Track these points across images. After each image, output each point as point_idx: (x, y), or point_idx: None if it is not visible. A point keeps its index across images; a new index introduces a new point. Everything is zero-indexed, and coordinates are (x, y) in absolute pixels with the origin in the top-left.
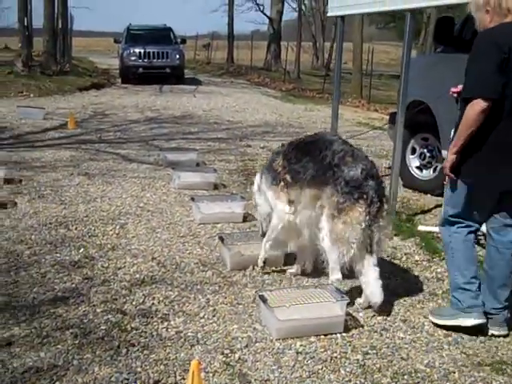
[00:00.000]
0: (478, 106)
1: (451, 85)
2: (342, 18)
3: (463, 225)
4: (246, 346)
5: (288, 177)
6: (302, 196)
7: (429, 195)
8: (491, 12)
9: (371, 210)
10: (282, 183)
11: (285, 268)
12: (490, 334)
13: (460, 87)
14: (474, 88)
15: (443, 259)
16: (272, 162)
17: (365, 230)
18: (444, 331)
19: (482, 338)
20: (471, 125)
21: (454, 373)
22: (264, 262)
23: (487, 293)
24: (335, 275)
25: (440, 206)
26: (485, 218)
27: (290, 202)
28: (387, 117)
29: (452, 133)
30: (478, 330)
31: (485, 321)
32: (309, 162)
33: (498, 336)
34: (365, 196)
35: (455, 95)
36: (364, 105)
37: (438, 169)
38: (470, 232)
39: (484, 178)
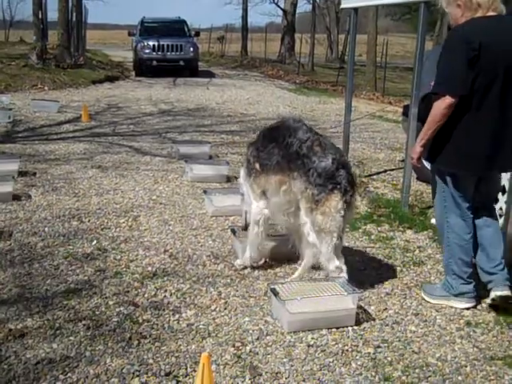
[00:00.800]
0: (445, 101)
1: None
2: (356, 9)
3: (460, 215)
4: (258, 339)
5: (257, 165)
6: (269, 183)
7: None
8: (462, 6)
9: (346, 198)
10: (254, 174)
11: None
12: (494, 296)
13: None
14: (443, 84)
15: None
16: (247, 152)
17: (344, 217)
18: (456, 325)
19: (494, 332)
20: (439, 119)
21: (466, 367)
22: (253, 261)
23: (481, 254)
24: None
25: None
26: (470, 204)
27: (263, 195)
28: (401, 109)
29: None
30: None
31: (475, 303)
32: (274, 148)
33: (502, 296)
34: (338, 186)
35: None
36: (378, 97)
37: None
38: (467, 224)
39: (465, 165)
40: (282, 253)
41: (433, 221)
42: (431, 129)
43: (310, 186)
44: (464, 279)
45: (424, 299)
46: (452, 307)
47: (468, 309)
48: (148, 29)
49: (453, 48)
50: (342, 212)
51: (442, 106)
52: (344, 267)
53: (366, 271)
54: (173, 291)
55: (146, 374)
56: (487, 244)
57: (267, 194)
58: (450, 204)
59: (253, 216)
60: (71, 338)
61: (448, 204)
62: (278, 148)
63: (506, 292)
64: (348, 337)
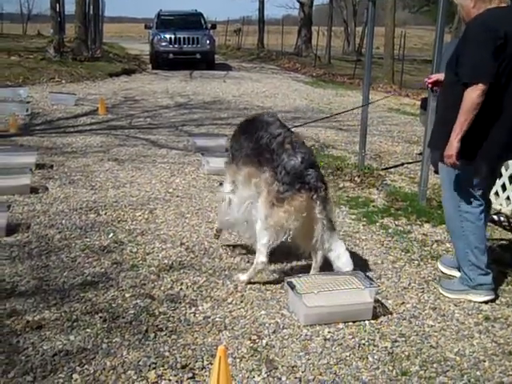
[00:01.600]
0: (478, 89)
1: None
2: (373, 1)
3: (475, 204)
4: (274, 332)
5: (231, 155)
6: (239, 174)
7: None
8: None
9: (319, 194)
10: (228, 163)
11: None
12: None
13: (434, 77)
14: (474, 73)
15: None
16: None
17: (307, 217)
18: (475, 320)
19: None
20: (474, 108)
21: (485, 362)
22: (217, 231)
23: None
24: (261, 258)
25: None
26: (486, 192)
27: (233, 182)
28: (419, 102)
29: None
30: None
31: (493, 296)
32: (245, 140)
33: None
34: (306, 186)
35: (429, 86)
36: (396, 90)
37: None
38: (481, 211)
39: (490, 155)
40: None
41: None
42: (467, 120)
43: (276, 182)
44: (482, 269)
45: (442, 294)
46: (471, 301)
47: (487, 302)
48: (164, 22)
49: (478, 37)
50: (305, 213)
51: (474, 94)
52: (318, 263)
53: (383, 265)
54: (189, 284)
55: (163, 366)
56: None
57: (238, 184)
58: (465, 194)
59: (221, 195)
60: (88, 330)
61: (463, 194)
62: (249, 140)
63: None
64: (365, 331)
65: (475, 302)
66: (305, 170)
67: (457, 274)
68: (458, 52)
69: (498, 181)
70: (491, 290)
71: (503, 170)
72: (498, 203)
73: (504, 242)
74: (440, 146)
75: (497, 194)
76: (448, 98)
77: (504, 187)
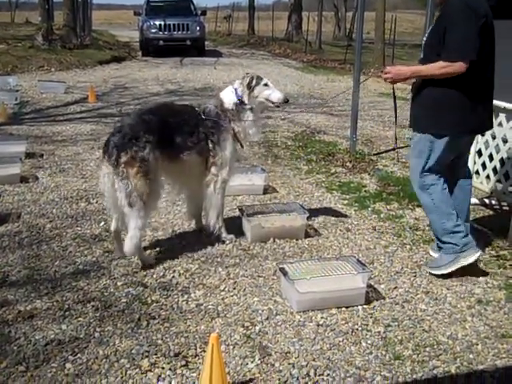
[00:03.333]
0: (458, 67)
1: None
2: None
3: (439, 175)
4: (267, 319)
5: None
6: None
7: None
8: None
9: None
10: None
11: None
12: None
13: (391, 70)
14: (461, 51)
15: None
16: None
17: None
18: (467, 303)
19: (505, 310)
20: (438, 77)
21: (477, 345)
22: None
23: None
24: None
25: None
26: (450, 165)
27: None
28: (410, 87)
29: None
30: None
31: (481, 251)
32: None
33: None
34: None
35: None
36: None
37: None
38: (444, 181)
39: (459, 127)
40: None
41: None
42: (424, 77)
43: None
44: (460, 231)
45: (436, 275)
46: (463, 266)
47: (477, 260)
48: (154, 8)
49: (462, 16)
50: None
51: (456, 69)
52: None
53: (375, 250)
54: (181, 271)
55: (155, 354)
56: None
57: None
58: (434, 167)
59: None
60: (80, 319)
61: (431, 167)
62: None
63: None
64: (358, 316)
65: (469, 263)
66: (110, 135)
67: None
68: (440, 32)
69: (489, 164)
70: (476, 246)
71: (494, 153)
72: (490, 186)
73: (495, 226)
74: (431, 129)
75: (488, 177)
76: (431, 81)
77: (495, 170)
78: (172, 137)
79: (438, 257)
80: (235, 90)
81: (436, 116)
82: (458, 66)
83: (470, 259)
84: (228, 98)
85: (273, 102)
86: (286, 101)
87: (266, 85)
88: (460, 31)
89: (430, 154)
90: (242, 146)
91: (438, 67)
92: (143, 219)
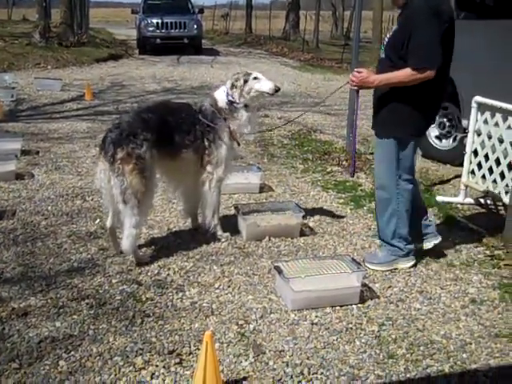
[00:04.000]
0: (427, 75)
1: (474, 52)
2: None
3: (407, 178)
4: (261, 317)
5: None
6: None
7: (448, 165)
8: None
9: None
10: None
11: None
12: (430, 246)
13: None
14: (427, 59)
15: (462, 230)
16: None
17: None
18: (461, 303)
19: (499, 310)
20: (405, 84)
21: (471, 344)
22: None
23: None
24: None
25: (459, 176)
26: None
27: None
28: None
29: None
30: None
31: (415, 261)
32: None
33: (438, 245)
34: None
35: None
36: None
37: (458, 139)
38: (411, 184)
39: (422, 131)
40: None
41: (438, 198)
42: (391, 85)
43: None
44: (408, 240)
45: (373, 269)
46: (396, 269)
47: (412, 266)
48: (151, 6)
49: (428, 21)
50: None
51: (421, 76)
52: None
53: (371, 249)
54: (176, 269)
55: (150, 352)
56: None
57: None
58: (404, 171)
59: None
60: (74, 316)
61: (401, 172)
62: None
63: (439, 240)
64: (352, 315)
65: (403, 268)
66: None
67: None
68: (403, 35)
69: (485, 164)
70: (414, 254)
71: (490, 153)
72: (485, 186)
73: (490, 225)
74: (397, 132)
75: (483, 176)
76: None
77: (491, 170)
78: (170, 135)
79: (377, 253)
80: (227, 89)
81: (401, 119)
82: (427, 74)
83: (408, 264)
84: (221, 97)
85: (265, 94)
86: (276, 89)
87: (255, 78)
88: (426, 37)
89: (400, 158)
90: (238, 144)
91: (406, 75)
92: (138, 217)
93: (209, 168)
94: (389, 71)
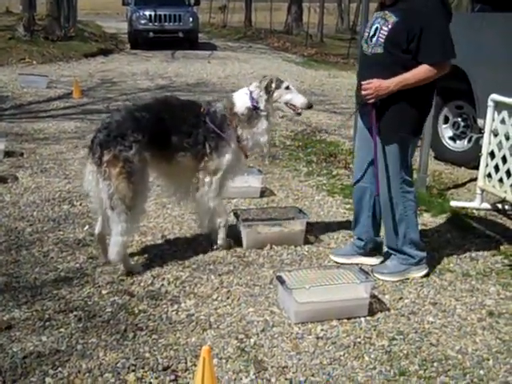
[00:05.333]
0: (445, 69)
1: (490, 48)
2: None
3: (409, 180)
4: (263, 331)
5: None
6: None
7: (462, 168)
8: None
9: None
10: None
11: None
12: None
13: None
14: (444, 53)
15: (478, 237)
16: None
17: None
18: (478, 315)
19: None
20: (427, 79)
21: (488, 360)
22: None
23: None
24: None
25: (475, 179)
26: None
27: None
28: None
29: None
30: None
31: (428, 269)
32: None
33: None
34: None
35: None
36: None
37: (474, 139)
38: (413, 186)
39: (421, 130)
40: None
41: (453, 203)
42: (411, 86)
43: None
44: (420, 244)
45: (383, 280)
46: (408, 278)
47: (425, 276)
48: None
49: (440, 13)
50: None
51: (439, 72)
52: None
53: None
54: (171, 279)
55: (143, 368)
56: None
57: None
58: (406, 174)
59: None
60: (62, 330)
61: (404, 175)
62: None
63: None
64: (360, 328)
65: (415, 277)
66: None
67: (356, 260)
68: (409, 27)
69: (502, 166)
70: (426, 263)
71: (508, 154)
72: (503, 190)
73: (508, 232)
74: (406, 131)
75: (501, 180)
76: None
77: (509, 173)
78: (166, 136)
79: (388, 263)
80: (250, 92)
81: (402, 118)
82: (445, 68)
83: (421, 273)
84: (241, 101)
85: (294, 108)
86: (309, 106)
87: (287, 88)
88: (442, 30)
89: (402, 159)
90: (246, 157)
91: (425, 72)
92: (126, 224)
93: (201, 175)
94: (391, 67)
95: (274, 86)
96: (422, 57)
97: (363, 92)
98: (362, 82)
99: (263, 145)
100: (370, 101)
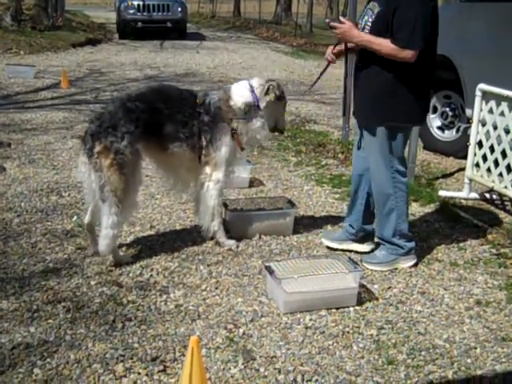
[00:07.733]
0: (406, 55)
1: (477, 37)
2: None
3: (401, 171)
4: (251, 321)
5: None
6: None
7: (451, 158)
8: None
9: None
10: None
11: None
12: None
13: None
14: (409, 39)
15: (466, 227)
16: None
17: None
18: (465, 304)
19: (506, 312)
20: (387, 56)
21: (476, 348)
22: None
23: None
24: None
25: (463, 169)
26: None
27: None
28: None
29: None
30: None
31: (416, 260)
32: None
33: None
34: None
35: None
36: None
37: (462, 129)
38: (406, 176)
39: (415, 119)
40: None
41: (441, 193)
42: (370, 49)
43: None
44: (409, 235)
45: (372, 269)
46: (396, 269)
47: (413, 266)
48: None
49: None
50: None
51: (399, 55)
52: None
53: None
54: (160, 270)
55: (131, 358)
56: None
57: None
58: (398, 164)
59: None
60: (50, 320)
61: (395, 164)
62: None
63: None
64: (349, 318)
65: (403, 267)
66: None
67: (347, 246)
68: (388, 14)
69: (490, 156)
70: (415, 253)
71: (495, 144)
72: (491, 180)
73: (496, 222)
74: (389, 119)
75: (489, 170)
76: (381, 65)
77: (497, 163)
78: (160, 127)
79: (377, 253)
80: (251, 87)
81: (393, 104)
82: (406, 54)
83: (409, 263)
84: (240, 94)
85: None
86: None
87: (284, 105)
88: (411, 14)
89: (392, 148)
90: (241, 149)
91: (387, 46)
92: (117, 216)
93: (207, 169)
94: (380, 57)
95: (278, 92)
96: (393, 33)
97: (334, 30)
98: (333, 24)
99: (260, 140)
100: (335, 34)
